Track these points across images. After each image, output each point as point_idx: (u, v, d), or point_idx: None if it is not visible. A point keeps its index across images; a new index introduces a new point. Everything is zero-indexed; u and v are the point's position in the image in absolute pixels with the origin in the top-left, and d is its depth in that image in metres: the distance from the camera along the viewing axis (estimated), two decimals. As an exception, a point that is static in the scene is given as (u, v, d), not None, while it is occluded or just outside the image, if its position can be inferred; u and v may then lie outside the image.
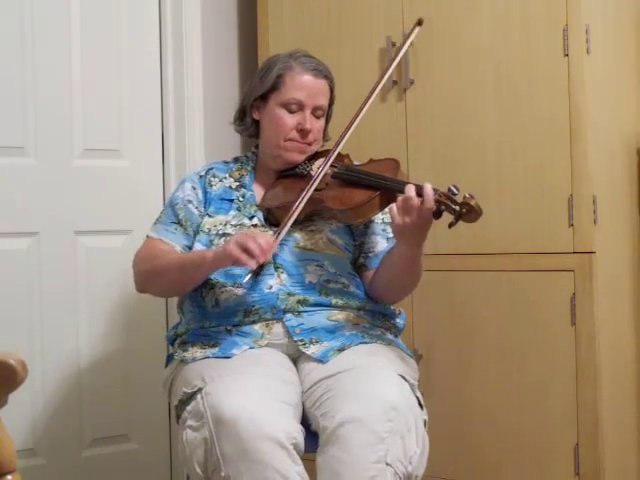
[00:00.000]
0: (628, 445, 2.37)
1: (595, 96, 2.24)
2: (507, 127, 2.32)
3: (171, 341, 2.09)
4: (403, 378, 1.79)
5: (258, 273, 1.88)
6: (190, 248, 2.02)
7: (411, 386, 1.81)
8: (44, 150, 2.52)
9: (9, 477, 1.18)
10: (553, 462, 2.25)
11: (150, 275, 2.00)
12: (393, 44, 2.49)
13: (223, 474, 1.64)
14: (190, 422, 1.72)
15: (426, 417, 1.82)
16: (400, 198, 1.78)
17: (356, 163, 2.08)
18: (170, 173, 2.77)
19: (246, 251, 1.75)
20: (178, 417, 1.86)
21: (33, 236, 2.49)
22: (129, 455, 2.65)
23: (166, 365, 2.08)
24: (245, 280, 1.85)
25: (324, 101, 2.05)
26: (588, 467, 2.20)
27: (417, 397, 1.81)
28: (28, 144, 2.49)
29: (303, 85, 2.02)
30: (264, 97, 2.06)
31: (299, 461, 1.66)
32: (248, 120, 2.11)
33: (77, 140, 2.58)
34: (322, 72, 2.05)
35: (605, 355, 2.23)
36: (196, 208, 2.05)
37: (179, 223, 2.03)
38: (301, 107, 2.02)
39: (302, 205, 1.91)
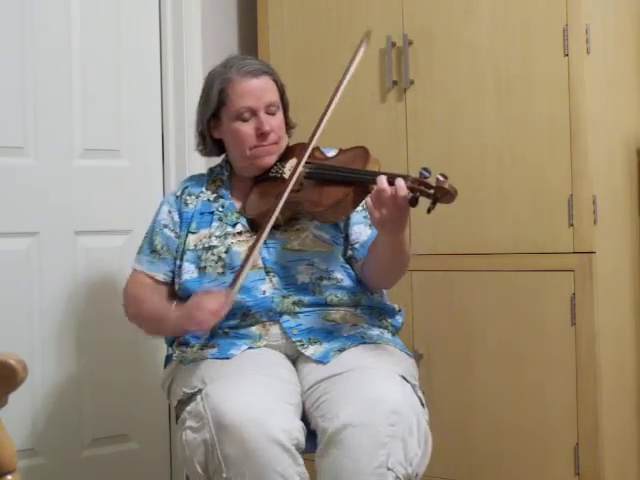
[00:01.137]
0: (628, 445, 2.37)
1: (595, 96, 2.24)
2: (507, 127, 2.32)
3: (170, 342, 2.09)
4: (404, 379, 1.79)
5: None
6: (172, 272, 2.04)
7: (412, 387, 1.81)
8: (44, 150, 2.52)
9: (9, 477, 1.18)
10: (553, 462, 2.25)
11: (134, 320, 2.06)
12: (393, 44, 2.49)
13: (225, 476, 1.64)
14: (190, 423, 1.72)
15: (427, 417, 1.82)
16: (373, 192, 1.76)
17: (327, 152, 2.04)
18: (170, 173, 2.77)
19: (196, 323, 1.80)
20: (177, 417, 1.86)
21: (33, 236, 2.49)
22: (129, 455, 2.65)
23: (165, 365, 2.08)
24: (200, 342, 1.92)
25: (273, 96, 2.02)
26: (588, 467, 2.20)
27: (419, 397, 1.81)
28: (28, 144, 2.49)
29: (247, 91, 1.99)
30: (215, 115, 2.04)
31: (300, 461, 1.66)
32: (209, 142, 2.09)
33: (77, 140, 2.58)
34: (260, 70, 2.02)
35: (605, 355, 2.23)
36: (172, 231, 2.06)
37: (155, 251, 2.06)
38: (253, 112, 1.99)
39: (271, 223, 1.86)
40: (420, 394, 1.83)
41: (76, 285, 2.56)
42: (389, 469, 1.64)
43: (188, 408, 1.76)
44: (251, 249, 1.85)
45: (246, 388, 1.71)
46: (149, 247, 2.08)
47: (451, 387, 2.40)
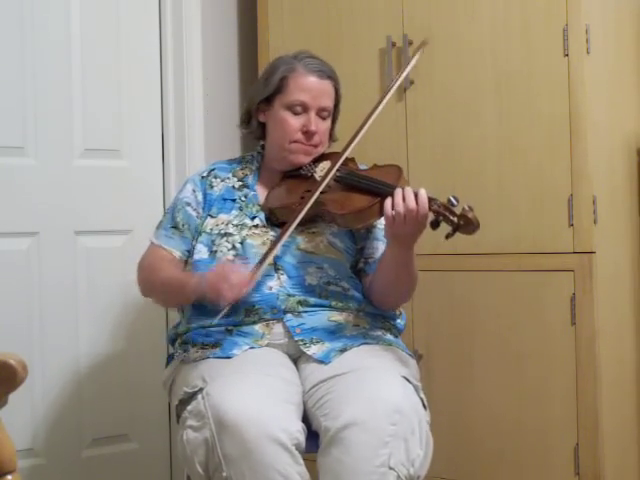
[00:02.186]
0: (628, 445, 2.37)
1: (595, 96, 2.24)
2: (507, 127, 2.32)
3: (172, 340, 2.09)
4: (406, 380, 1.79)
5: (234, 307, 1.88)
6: (189, 252, 2.04)
7: (415, 387, 1.81)
8: (44, 150, 2.52)
9: (9, 477, 1.19)
10: (553, 462, 2.25)
11: (148, 289, 2.06)
12: (393, 44, 2.49)
13: (225, 475, 1.64)
14: (190, 422, 1.72)
15: (429, 419, 1.82)
16: (396, 201, 1.79)
17: (361, 166, 2.07)
18: (170, 173, 2.77)
19: (218, 291, 1.79)
20: (178, 417, 1.86)
21: (33, 236, 2.49)
22: (129, 455, 2.65)
23: (167, 365, 2.08)
24: (218, 318, 1.88)
25: (329, 102, 2.05)
26: (588, 467, 2.20)
27: (421, 398, 1.81)
28: (28, 144, 2.49)
29: (307, 87, 2.01)
30: (269, 100, 2.06)
31: (301, 461, 1.66)
32: (254, 123, 2.11)
33: (77, 140, 2.58)
34: (326, 73, 2.05)
35: (605, 355, 2.23)
36: (194, 210, 2.06)
37: (176, 227, 2.05)
38: (306, 109, 2.01)
39: (303, 215, 1.90)
40: (422, 396, 1.83)
41: (76, 285, 2.56)
42: (391, 468, 1.64)
43: (189, 407, 1.76)
44: (275, 243, 1.88)
45: (247, 388, 1.71)
46: (170, 222, 2.07)
47: (451, 387, 2.40)
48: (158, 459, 2.71)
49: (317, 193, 1.91)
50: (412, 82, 2.47)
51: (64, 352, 2.53)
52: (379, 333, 1.98)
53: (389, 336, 2.00)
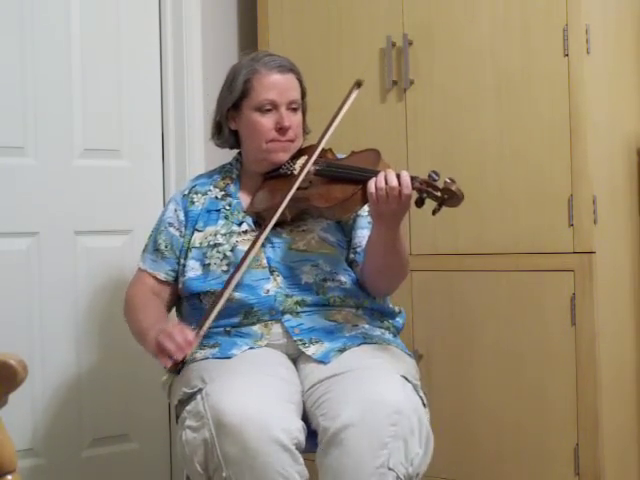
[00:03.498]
0: (628, 445, 2.37)
1: (595, 96, 2.24)
2: (507, 127, 2.32)
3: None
4: (406, 379, 1.79)
5: (179, 366, 1.87)
6: (173, 270, 2.06)
7: (414, 386, 1.81)
8: (44, 150, 2.52)
9: (9, 477, 1.18)
10: (553, 462, 2.25)
11: (127, 321, 2.09)
12: (393, 44, 2.49)
13: (225, 475, 1.64)
14: (189, 422, 1.72)
15: (429, 417, 1.82)
16: (378, 182, 1.79)
17: (339, 156, 2.07)
18: (170, 173, 2.77)
19: (163, 351, 1.81)
20: (177, 417, 1.87)
21: (33, 236, 2.49)
22: (129, 455, 2.65)
23: (166, 365, 2.08)
24: (167, 369, 1.89)
25: (296, 95, 2.04)
26: (588, 467, 2.20)
27: (420, 397, 1.81)
28: (28, 144, 2.49)
29: (272, 84, 2.01)
30: (236, 106, 2.05)
31: (300, 460, 1.66)
32: (225, 132, 2.10)
33: (77, 140, 2.58)
34: (287, 67, 2.04)
35: (605, 355, 2.23)
36: (177, 230, 2.07)
37: (158, 250, 2.08)
38: (275, 106, 2.01)
39: (277, 216, 1.91)
40: (422, 394, 1.83)
41: (76, 285, 2.56)
42: (390, 469, 1.64)
43: (188, 407, 1.76)
44: (253, 243, 1.89)
45: (246, 388, 1.71)
46: (153, 246, 2.10)
47: (451, 387, 2.40)
48: (158, 459, 2.71)
49: (293, 190, 1.91)
50: (412, 82, 2.47)
51: (64, 352, 2.53)
52: (378, 332, 1.98)
53: (388, 335, 2.00)
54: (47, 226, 2.51)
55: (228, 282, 1.90)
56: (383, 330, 2.01)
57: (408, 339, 2.31)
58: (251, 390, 1.70)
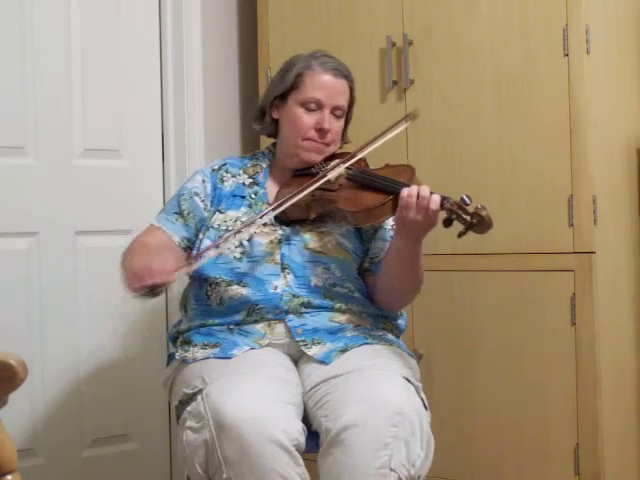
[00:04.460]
0: (628, 445, 2.38)
1: (595, 96, 2.24)
2: (507, 127, 2.32)
3: (173, 339, 2.09)
4: (407, 381, 1.79)
5: (144, 290, 1.79)
6: (189, 240, 2.03)
7: (416, 388, 1.81)
8: (44, 150, 2.52)
9: (9, 477, 1.18)
10: (553, 462, 2.25)
11: (123, 266, 1.93)
12: (393, 44, 2.49)
13: (225, 476, 1.64)
14: (190, 423, 1.72)
15: (430, 419, 1.82)
16: (409, 193, 1.80)
17: (372, 168, 2.07)
18: (170, 173, 2.77)
19: (135, 274, 1.78)
20: (178, 417, 1.86)
21: (33, 236, 2.49)
22: (129, 455, 2.65)
23: (167, 364, 2.08)
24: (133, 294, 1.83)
25: (343, 101, 2.05)
26: (588, 467, 2.20)
27: (422, 399, 1.81)
28: (28, 144, 2.49)
29: (322, 84, 2.01)
30: (283, 96, 2.05)
31: (301, 461, 1.66)
32: (267, 119, 2.10)
33: (77, 140, 2.58)
34: (342, 72, 2.05)
35: (605, 355, 2.23)
36: (202, 201, 2.05)
37: (180, 214, 2.04)
38: (320, 107, 2.01)
39: (302, 195, 1.91)
40: (423, 396, 1.83)
41: (76, 285, 2.56)
42: (392, 470, 1.64)
43: (189, 408, 1.76)
44: (264, 213, 1.92)
45: (247, 389, 1.70)
46: (175, 208, 2.05)
47: (451, 387, 2.40)
48: (158, 459, 2.71)
49: (317, 184, 1.92)
50: (412, 82, 2.47)
51: (64, 352, 2.53)
52: (380, 333, 1.98)
53: (390, 336, 2.00)
54: (47, 226, 2.51)
55: (227, 237, 1.88)
56: (386, 331, 2.01)
57: (408, 339, 2.31)
58: (251, 391, 1.70)
